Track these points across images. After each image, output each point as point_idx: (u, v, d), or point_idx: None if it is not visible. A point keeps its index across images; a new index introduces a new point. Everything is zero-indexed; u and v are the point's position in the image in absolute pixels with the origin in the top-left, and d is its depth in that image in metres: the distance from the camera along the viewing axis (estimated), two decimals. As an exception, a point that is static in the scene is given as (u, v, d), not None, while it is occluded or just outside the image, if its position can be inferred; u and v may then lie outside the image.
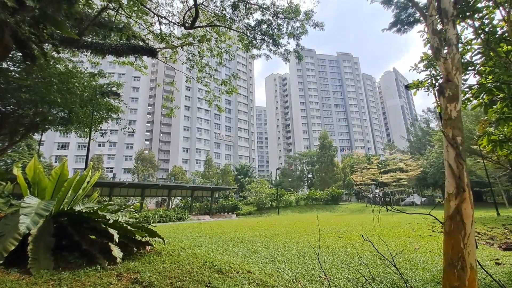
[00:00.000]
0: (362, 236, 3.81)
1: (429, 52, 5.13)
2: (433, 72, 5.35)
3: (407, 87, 5.83)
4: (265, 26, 9.49)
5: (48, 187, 4.22)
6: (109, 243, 3.77)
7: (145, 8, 9.17)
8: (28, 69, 9.90)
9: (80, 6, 7.65)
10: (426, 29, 4.91)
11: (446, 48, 2.72)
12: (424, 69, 5.47)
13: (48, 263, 3.18)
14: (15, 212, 3.81)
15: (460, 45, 4.63)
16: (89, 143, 13.97)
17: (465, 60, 4.76)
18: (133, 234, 4.45)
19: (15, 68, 11.00)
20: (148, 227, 4.65)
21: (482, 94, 4.49)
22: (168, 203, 28.85)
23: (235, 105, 78.72)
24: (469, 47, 4.91)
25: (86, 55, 10.02)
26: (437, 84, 5.13)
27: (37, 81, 10.20)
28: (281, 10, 9.06)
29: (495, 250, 6.06)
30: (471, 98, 4.83)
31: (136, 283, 3.02)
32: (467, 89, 4.79)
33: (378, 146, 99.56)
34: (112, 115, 14.18)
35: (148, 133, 73.25)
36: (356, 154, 62.37)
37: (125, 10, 8.92)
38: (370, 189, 45.49)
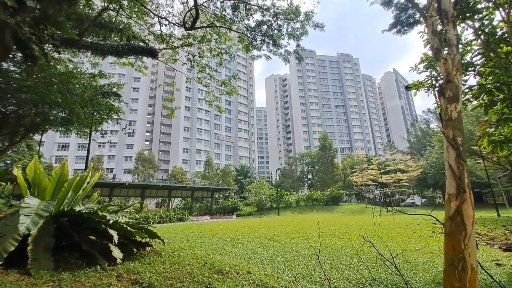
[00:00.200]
0: (363, 236, 3.80)
1: (429, 53, 5.14)
2: (433, 73, 5.35)
3: (407, 87, 5.83)
4: (265, 27, 9.50)
5: (48, 188, 4.21)
6: (109, 244, 3.76)
7: (145, 9, 9.18)
8: (29, 69, 9.91)
9: (81, 7, 7.66)
10: (426, 30, 4.92)
11: (446, 49, 2.72)
12: (424, 70, 5.47)
13: (48, 264, 3.18)
14: (15, 213, 3.81)
15: (460, 46, 4.63)
16: (89, 144, 13.98)
17: (465, 61, 4.76)
18: (133, 235, 4.45)
19: (16, 69, 11.01)
20: (148, 228, 4.65)
21: (482, 95, 4.49)
22: (168, 204, 28.83)
23: (235, 106, 78.77)
24: (469, 48, 4.92)
25: (87, 56, 10.04)
26: (437, 84, 5.13)
27: (37, 81, 10.21)
28: (281, 11, 9.07)
29: (495, 251, 6.05)
30: (471, 99, 4.83)
31: (136, 284, 3.01)
32: (467, 90, 4.79)
33: (378, 146, 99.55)
34: (113, 115, 14.19)
35: (148, 134, 73.28)
36: (356, 155, 62.38)
37: (126, 11, 8.94)
38: (370, 190, 45.45)
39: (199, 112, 69.67)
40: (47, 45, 7.27)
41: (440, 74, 4.30)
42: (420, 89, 5.51)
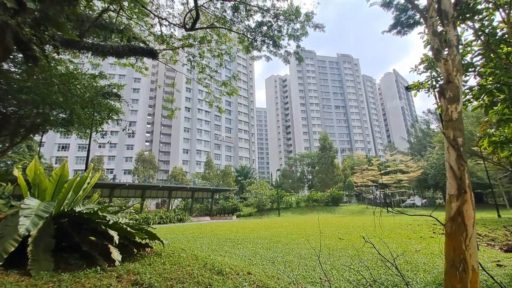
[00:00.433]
0: (363, 237, 3.80)
1: (430, 53, 5.14)
2: (434, 73, 5.35)
3: (408, 88, 5.83)
4: (265, 27, 9.52)
5: (49, 188, 4.21)
6: (109, 245, 3.76)
7: (146, 10, 9.20)
8: (29, 70, 9.92)
9: (81, 8, 7.68)
10: (426, 30, 4.92)
11: (446, 49, 2.72)
12: (425, 70, 5.47)
13: (48, 265, 3.17)
14: (15, 213, 3.80)
15: (460, 46, 4.63)
16: (89, 145, 13.98)
17: (466, 62, 4.76)
18: (133, 236, 4.44)
19: (17, 70, 11.03)
20: (148, 229, 4.64)
21: (482, 96, 4.48)
22: (168, 205, 28.82)
23: (236, 107, 78.83)
24: (469, 48, 4.92)
25: (87, 57, 10.05)
26: (437, 85, 5.13)
27: (38, 82, 10.22)
28: (281, 12, 9.09)
29: (496, 252, 6.03)
30: (472, 100, 4.83)
31: (136, 285, 3.01)
32: (467, 91, 4.79)
33: (379, 147, 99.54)
34: (113, 116, 14.20)
35: (149, 134, 73.32)
36: (356, 156, 62.38)
37: (126, 12, 8.95)
38: (371, 191, 45.43)
39: (199, 112, 69.73)
40: (47, 46, 7.29)
41: (441, 75, 4.31)
42: (420, 89, 5.50)
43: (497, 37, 4.46)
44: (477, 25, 4.61)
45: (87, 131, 14.06)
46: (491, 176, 23.32)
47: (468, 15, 4.50)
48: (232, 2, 9.25)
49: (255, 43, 9.88)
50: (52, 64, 10.29)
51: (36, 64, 4.24)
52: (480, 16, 4.56)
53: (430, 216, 2.62)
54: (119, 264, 3.56)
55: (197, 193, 30.78)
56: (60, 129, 14.22)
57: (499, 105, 4.45)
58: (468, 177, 2.26)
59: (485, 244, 7.14)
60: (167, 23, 9.88)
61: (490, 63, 4.59)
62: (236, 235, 9.57)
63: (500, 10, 4.36)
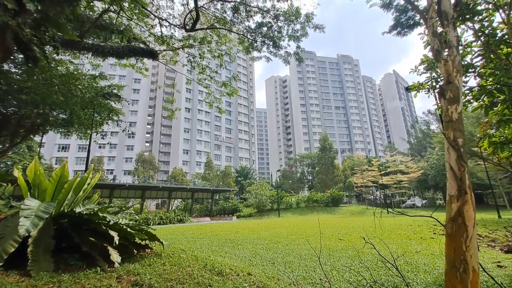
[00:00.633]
0: (364, 238, 3.79)
1: (430, 54, 5.14)
2: (434, 74, 5.35)
3: (408, 89, 5.83)
4: (265, 28, 9.53)
5: (49, 189, 4.21)
6: (108, 247, 3.75)
7: (146, 11, 9.22)
8: (30, 71, 9.94)
9: (82, 8, 7.69)
10: (426, 31, 4.92)
11: (446, 50, 2.73)
12: (425, 71, 5.47)
13: (48, 265, 3.17)
14: (15, 214, 3.80)
15: (460, 47, 4.63)
16: (89, 145, 13.98)
17: (466, 63, 4.77)
18: (133, 237, 4.44)
19: (17, 70, 11.05)
20: (148, 230, 4.63)
21: (482, 96, 4.48)
22: (168, 205, 28.81)
23: (236, 107, 78.86)
24: (469, 49, 4.92)
25: (87, 57, 10.07)
26: (437, 86, 5.13)
27: (38, 82, 10.24)
28: (281, 13, 9.10)
29: (496, 253, 6.02)
30: (472, 100, 4.83)
31: (136, 286, 3.01)
32: (467, 91, 4.79)
33: (379, 148, 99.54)
34: (113, 117, 14.22)
35: (149, 135, 73.34)
36: (356, 156, 62.37)
37: (126, 13, 8.97)
38: (371, 191, 45.38)
39: (199, 113, 69.77)
40: (48, 46, 7.30)
41: (441, 76, 4.31)
42: (420, 90, 5.50)
43: (497, 38, 4.46)
44: (477, 26, 4.62)
45: (87, 131, 14.07)
46: (491, 176, 23.32)
47: (468, 16, 4.50)
48: (232, 3, 9.27)
49: (255, 44, 9.90)
50: (52, 65, 10.31)
51: (36, 64, 4.24)
52: (480, 17, 4.56)
53: (431, 217, 2.62)
54: (118, 265, 3.56)
55: (197, 193, 30.76)
56: (60, 130, 14.24)
57: (499, 105, 4.45)
58: (468, 178, 2.26)
59: (486, 245, 7.12)
60: (167, 24, 9.90)
61: (490, 64, 4.59)
62: (236, 236, 9.56)
63: (500, 11, 4.37)
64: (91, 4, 7.89)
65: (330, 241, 7.63)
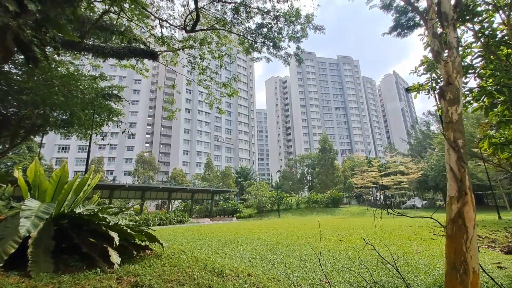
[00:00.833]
0: (364, 239, 3.79)
1: (430, 55, 5.14)
2: (434, 75, 5.36)
3: (408, 90, 5.84)
4: (265, 29, 9.55)
5: (49, 190, 4.21)
6: (108, 248, 3.75)
7: (146, 12, 9.24)
8: (30, 71, 9.96)
9: (82, 9, 7.70)
10: (426, 32, 4.93)
11: (446, 51, 2.73)
12: (425, 72, 5.48)
13: (48, 266, 3.17)
14: (15, 215, 3.80)
15: (460, 48, 4.64)
16: (89, 146, 13.99)
17: (466, 63, 4.77)
18: (133, 238, 4.43)
19: (17, 71, 11.07)
20: (148, 231, 4.63)
21: (482, 97, 4.49)
22: (168, 206, 28.77)
23: (236, 108, 78.89)
24: (469, 50, 4.93)
25: (88, 58, 10.09)
26: (437, 87, 5.14)
27: (38, 83, 10.25)
28: (281, 14, 9.12)
29: (497, 254, 6.01)
30: (472, 101, 4.83)
31: (136, 287, 3.00)
32: (467, 92, 4.80)
33: (379, 149, 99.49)
34: (113, 118, 14.23)
35: (149, 136, 73.34)
36: (356, 157, 62.32)
37: (127, 14, 8.99)
38: (371, 192, 45.34)
39: (199, 114, 69.78)
40: (48, 47, 7.31)
41: (441, 77, 4.32)
42: (420, 91, 5.51)
43: (497, 38, 4.47)
44: (477, 27, 4.62)
45: (87, 132, 14.08)
46: (491, 177, 23.29)
47: (468, 17, 4.51)
48: (233, 4, 9.29)
49: (255, 45, 9.91)
50: (52, 66, 10.33)
51: (36, 65, 4.25)
52: (480, 18, 4.58)
53: (431, 218, 2.62)
54: (118, 266, 3.55)
55: (197, 194, 30.73)
56: (61, 131, 14.26)
57: (499, 106, 4.45)
58: (468, 179, 2.26)
59: (486, 246, 7.11)
60: (167, 24, 9.92)
61: (490, 64, 4.60)
62: (236, 237, 9.55)
63: (500, 12, 4.38)
64: (92, 5, 7.90)
65: (330, 242, 7.63)
